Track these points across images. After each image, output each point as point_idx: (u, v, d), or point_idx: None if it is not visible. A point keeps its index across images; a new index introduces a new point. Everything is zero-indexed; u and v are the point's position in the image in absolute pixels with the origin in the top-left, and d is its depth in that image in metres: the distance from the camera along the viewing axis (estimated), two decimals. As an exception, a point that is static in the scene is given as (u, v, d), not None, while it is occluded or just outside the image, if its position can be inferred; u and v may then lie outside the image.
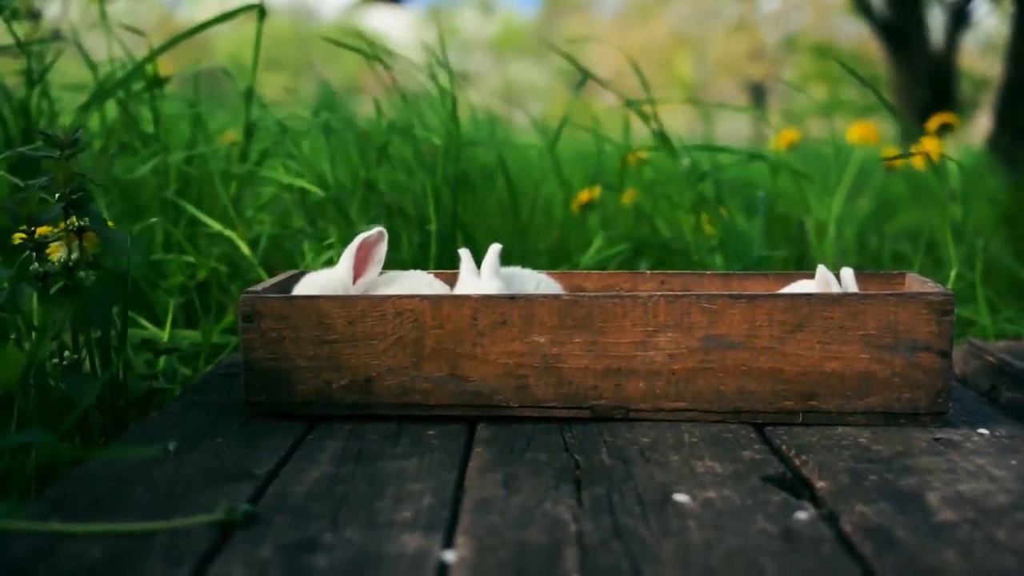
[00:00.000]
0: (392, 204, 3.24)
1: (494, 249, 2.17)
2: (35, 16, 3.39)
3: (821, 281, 2.04)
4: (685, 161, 3.47)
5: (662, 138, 3.44)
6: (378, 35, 3.38)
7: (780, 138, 4.36)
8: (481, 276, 2.15)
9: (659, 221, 4.01)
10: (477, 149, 3.60)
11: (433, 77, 3.34)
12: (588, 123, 4.04)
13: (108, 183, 3.04)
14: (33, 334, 2.08)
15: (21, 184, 2.19)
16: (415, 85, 3.68)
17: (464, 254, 2.22)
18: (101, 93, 3.17)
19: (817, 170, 4.46)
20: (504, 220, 3.52)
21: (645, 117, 3.43)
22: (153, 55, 3.10)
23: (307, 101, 4.04)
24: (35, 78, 3.04)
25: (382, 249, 2.15)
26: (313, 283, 2.12)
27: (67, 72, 3.49)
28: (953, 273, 2.80)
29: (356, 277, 2.13)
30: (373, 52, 3.28)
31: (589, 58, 3.52)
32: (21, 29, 3.14)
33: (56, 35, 3.37)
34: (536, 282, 2.22)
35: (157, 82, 3.26)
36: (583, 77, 3.51)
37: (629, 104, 3.43)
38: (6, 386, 1.74)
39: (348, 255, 2.13)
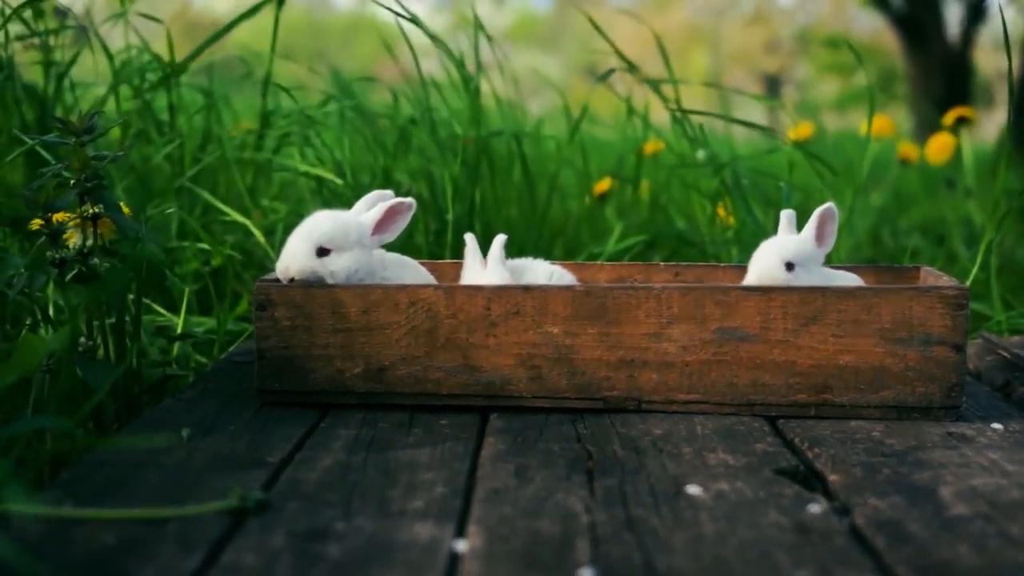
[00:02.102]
0: (410, 192, 3.24)
1: (499, 240, 2.17)
2: (62, 14, 3.39)
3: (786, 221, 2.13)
4: (700, 153, 3.45)
5: (682, 124, 3.43)
6: (393, 25, 3.37)
7: (795, 131, 4.35)
8: (487, 267, 2.14)
9: (674, 212, 4.01)
10: (496, 138, 3.59)
11: (460, 65, 3.33)
12: (605, 114, 4.03)
13: (124, 169, 3.05)
14: (49, 321, 2.09)
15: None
16: (432, 74, 3.67)
17: (470, 240, 2.21)
18: (118, 83, 3.17)
19: (832, 163, 4.45)
20: (522, 209, 3.52)
21: (666, 99, 3.42)
22: (188, 59, 3.10)
23: (322, 89, 4.04)
24: (57, 70, 3.05)
25: (406, 220, 2.12)
26: (329, 218, 2.08)
27: (83, 60, 3.49)
28: (974, 271, 2.78)
29: (376, 232, 2.09)
30: (418, 27, 3.26)
31: (603, 49, 3.51)
32: (46, 24, 3.14)
33: (79, 30, 3.37)
34: (549, 273, 2.22)
35: (175, 71, 3.27)
36: (607, 71, 3.49)
37: (650, 82, 3.42)
38: (26, 373, 1.75)
39: (378, 209, 2.09)
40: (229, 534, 1.36)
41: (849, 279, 2.10)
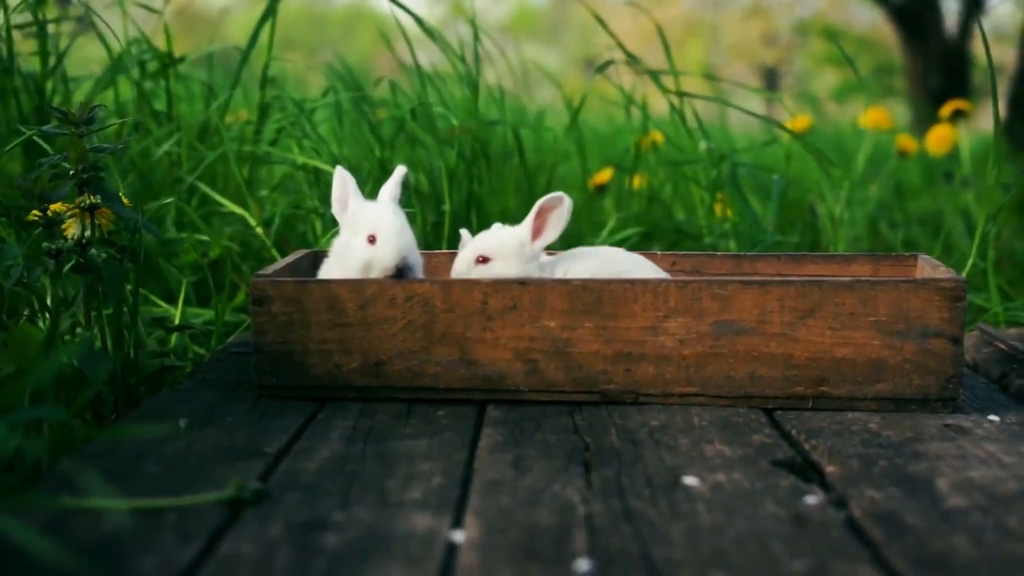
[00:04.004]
0: (407, 183, 3.24)
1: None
2: (65, 2, 3.39)
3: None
4: (702, 144, 3.46)
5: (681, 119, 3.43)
6: (392, 17, 3.36)
7: (794, 123, 4.34)
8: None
9: (673, 204, 4.01)
10: (494, 129, 3.59)
11: (461, 59, 3.33)
12: (604, 107, 4.02)
13: (125, 162, 3.04)
14: (47, 312, 2.09)
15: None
16: (430, 65, 3.67)
17: (465, 235, 2.22)
18: (116, 72, 3.17)
19: (830, 155, 4.45)
20: (520, 201, 3.52)
21: (666, 90, 3.42)
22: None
23: (320, 81, 4.04)
24: (53, 58, 3.04)
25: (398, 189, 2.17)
26: (379, 211, 2.09)
27: (82, 52, 3.49)
28: (970, 263, 2.79)
29: None
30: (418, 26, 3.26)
31: (602, 42, 3.51)
32: (46, 12, 3.13)
33: (79, 18, 3.36)
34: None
35: (172, 62, 3.26)
36: (605, 63, 3.49)
37: (650, 73, 3.42)
38: (22, 363, 1.75)
39: (393, 184, 2.15)
40: (227, 524, 1.37)
41: (605, 255, 2.13)
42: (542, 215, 2.06)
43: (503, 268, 2.05)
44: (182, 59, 3.37)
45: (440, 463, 1.62)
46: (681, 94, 3.44)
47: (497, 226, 2.14)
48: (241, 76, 3.37)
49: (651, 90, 3.67)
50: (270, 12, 3.27)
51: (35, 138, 2.50)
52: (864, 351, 1.92)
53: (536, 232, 2.07)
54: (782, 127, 3.44)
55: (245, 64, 3.29)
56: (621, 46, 3.41)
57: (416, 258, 2.06)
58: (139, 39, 3.36)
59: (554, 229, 2.07)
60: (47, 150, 2.49)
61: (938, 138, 4.58)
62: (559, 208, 2.05)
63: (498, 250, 2.07)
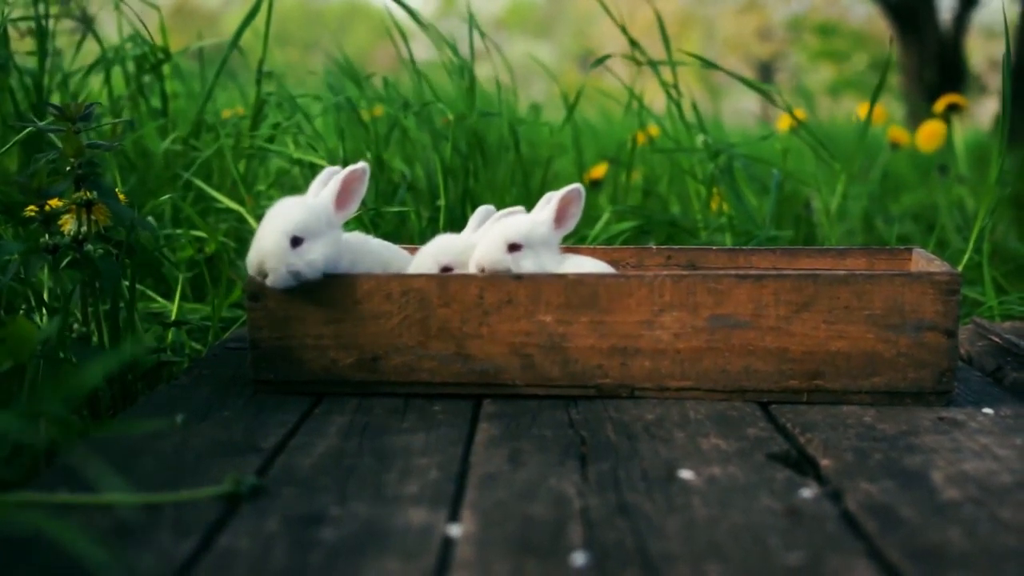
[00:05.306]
0: (403, 178, 3.24)
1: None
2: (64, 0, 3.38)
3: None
4: (700, 137, 3.46)
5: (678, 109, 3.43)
6: (388, 11, 3.36)
7: (787, 120, 4.34)
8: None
9: (669, 198, 4.01)
10: (489, 123, 3.59)
11: (453, 50, 3.33)
12: (599, 100, 4.02)
13: (119, 157, 3.04)
14: (44, 308, 2.09)
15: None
16: (426, 60, 3.67)
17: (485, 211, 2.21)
18: (106, 61, 3.17)
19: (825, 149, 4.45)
20: (516, 196, 3.52)
21: (664, 84, 3.42)
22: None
23: (317, 76, 4.03)
24: (50, 55, 3.04)
25: (363, 188, 2.05)
26: (297, 204, 1.99)
27: (81, 48, 3.48)
28: (966, 256, 2.79)
29: (339, 208, 2.03)
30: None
31: (597, 37, 3.51)
32: (45, 9, 3.13)
33: (80, 16, 3.36)
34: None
35: (166, 56, 3.26)
36: (603, 56, 3.48)
37: (651, 63, 3.42)
38: (18, 359, 1.75)
39: (335, 183, 2.02)
40: (224, 519, 1.37)
41: (592, 265, 2.08)
42: (564, 205, 2.07)
43: (536, 259, 2.03)
44: (183, 51, 3.36)
45: (436, 457, 1.63)
46: (691, 54, 3.43)
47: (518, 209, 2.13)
48: (235, 71, 3.37)
49: (648, 86, 3.67)
50: (255, 10, 3.26)
51: (41, 132, 2.50)
52: (859, 344, 1.92)
53: (559, 221, 2.08)
54: (788, 111, 3.43)
55: (229, 56, 3.28)
56: (626, 32, 3.41)
57: (293, 260, 1.94)
58: (135, 35, 3.36)
59: (573, 220, 2.08)
60: (52, 141, 2.49)
61: (928, 134, 4.59)
62: (578, 200, 2.07)
63: (528, 237, 2.04)
